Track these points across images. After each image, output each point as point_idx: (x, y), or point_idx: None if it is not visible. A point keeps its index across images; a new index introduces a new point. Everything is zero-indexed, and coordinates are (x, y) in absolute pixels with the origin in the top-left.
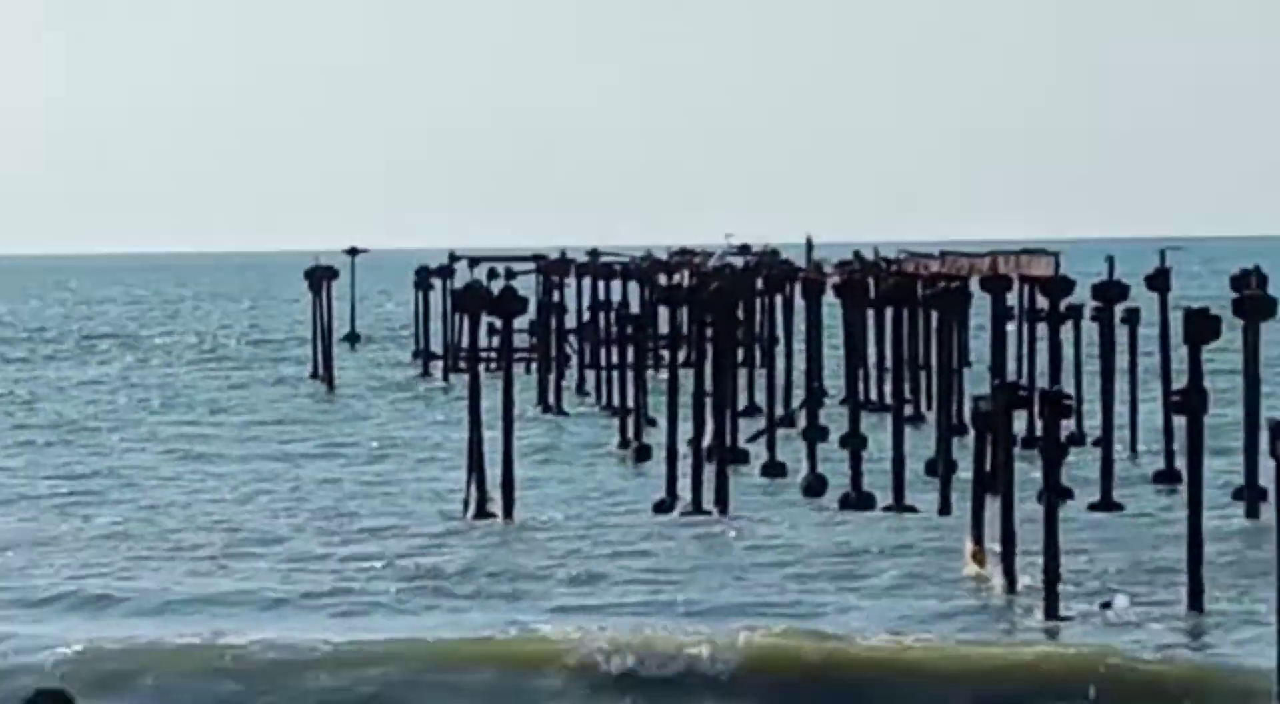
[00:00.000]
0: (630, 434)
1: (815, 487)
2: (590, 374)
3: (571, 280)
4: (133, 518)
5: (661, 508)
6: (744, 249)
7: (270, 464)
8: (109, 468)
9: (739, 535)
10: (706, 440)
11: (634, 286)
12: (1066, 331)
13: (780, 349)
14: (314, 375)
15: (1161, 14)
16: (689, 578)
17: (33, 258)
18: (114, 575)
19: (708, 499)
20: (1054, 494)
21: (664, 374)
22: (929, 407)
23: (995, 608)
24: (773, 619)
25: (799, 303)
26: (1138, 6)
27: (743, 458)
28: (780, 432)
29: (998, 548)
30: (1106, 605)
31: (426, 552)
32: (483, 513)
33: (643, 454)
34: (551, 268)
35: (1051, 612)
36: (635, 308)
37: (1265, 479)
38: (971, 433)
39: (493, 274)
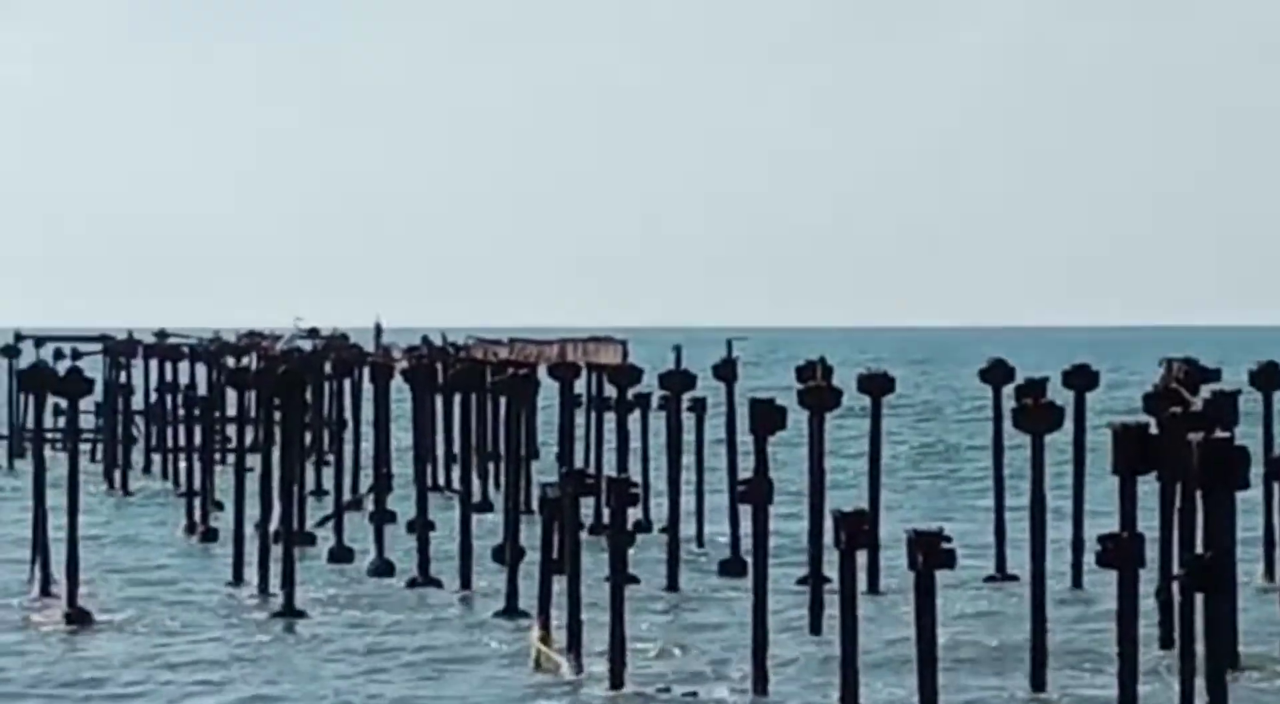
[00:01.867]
0: (197, 517)
1: (382, 571)
2: (157, 456)
3: (139, 361)
4: None
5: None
6: (313, 332)
7: None
8: None
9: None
10: (274, 524)
11: (202, 368)
12: (634, 419)
13: (349, 433)
14: None
15: (716, 91)
16: (275, 677)
17: None
18: None
19: (274, 584)
20: (620, 579)
21: (231, 457)
22: (497, 492)
23: (561, 691)
24: None
25: (368, 387)
26: (689, 85)
27: (310, 542)
28: (348, 516)
29: (565, 633)
30: (665, 690)
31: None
32: (47, 593)
33: (209, 537)
34: (119, 348)
35: (617, 675)
36: (203, 390)
37: (829, 569)
38: (539, 519)
39: (59, 354)
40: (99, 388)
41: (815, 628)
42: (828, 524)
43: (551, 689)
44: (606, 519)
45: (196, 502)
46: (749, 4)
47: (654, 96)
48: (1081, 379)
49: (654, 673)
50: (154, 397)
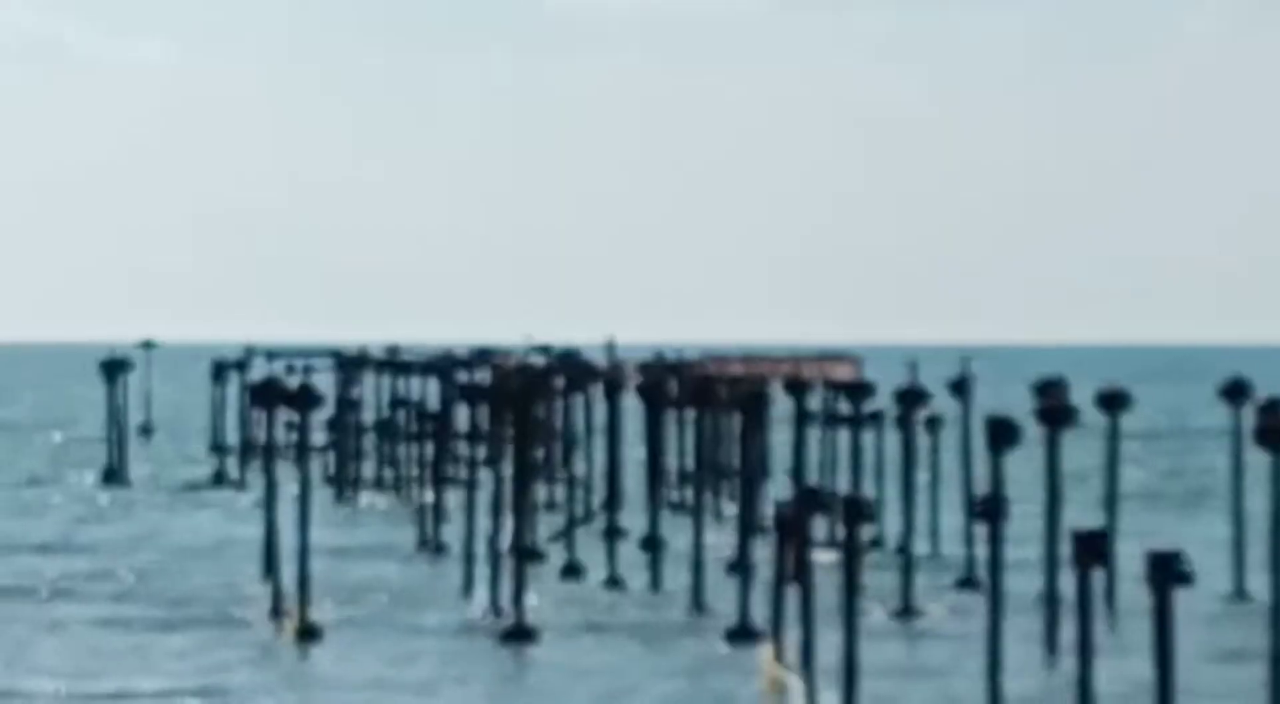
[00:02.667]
0: (428, 532)
1: (614, 587)
2: (388, 471)
3: (370, 376)
4: None
5: (460, 609)
6: (544, 349)
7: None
8: None
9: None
10: (504, 540)
11: (433, 383)
12: (868, 437)
13: (580, 449)
14: (109, 467)
15: (960, 117)
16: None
17: None
18: None
19: (504, 599)
20: (853, 598)
21: (462, 472)
22: (730, 508)
23: None
24: None
25: (600, 403)
26: (929, 107)
27: (541, 558)
28: (579, 532)
29: (798, 652)
30: None
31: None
32: (278, 612)
33: (440, 552)
34: (350, 363)
35: None
36: (434, 405)
37: (1065, 588)
38: (772, 536)
39: (290, 369)
40: (330, 403)
41: (1051, 647)
42: (1064, 542)
43: None
44: (840, 537)
45: (427, 517)
46: (975, 33)
47: (880, 110)
48: None
49: (887, 693)
50: (385, 412)
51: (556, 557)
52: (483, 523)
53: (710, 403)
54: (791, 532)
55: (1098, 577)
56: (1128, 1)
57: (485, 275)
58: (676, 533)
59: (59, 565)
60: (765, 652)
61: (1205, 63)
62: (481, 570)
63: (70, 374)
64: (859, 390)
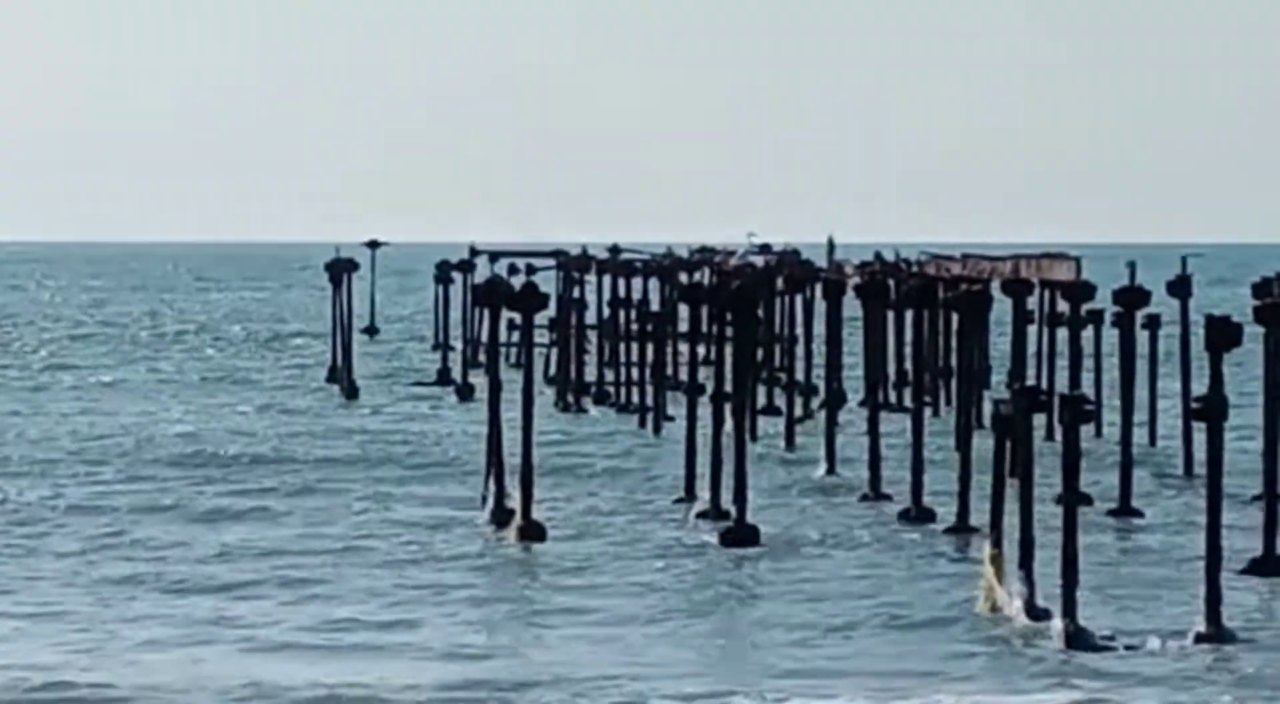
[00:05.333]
0: (649, 431)
1: (833, 486)
2: (609, 370)
3: (592, 277)
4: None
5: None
6: (765, 248)
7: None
8: None
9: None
10: (725, 439)
11: (654, 284)
12: (1087, 336)
13: (800, 349)
14: (333, 368)
15: (1183, 11)
16: (707, 608)
17: (26, 245)
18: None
19: (725, 498)
20: (1073, 499)
21: (683, 371)
22: (949, 408)
23: (1008, 623)
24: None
25: (820, 303)
26: (1158, 4)
27: (762, 457)
28: (798, 430)
29: (1014, 552)
30: (1109, 639)
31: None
32: (501, 509)
33: (660, 451)
34: (572, 264)
35: (1070, 612)
36: (655, 305)
37: None
38: (991, 435)
39: (513, 269)
40: (552, 303)
41: (1269, 547)
42: None
43: (999, 620)
44: (1059, 435)
45: (648, 416)
46: None
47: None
48: None
49: (1105, 591)
50: (607, 312)
51: (776, 455)
52: (703, 422)
53: (929, 302)
54: (1010, 430)
55: None
56: None
57: (707, 175)
58: (894, 432)
59: (287, 466)
60: (986, 551)
61: None
62: (702, 469)
63: (295, 274)
64: (1078, 290)
